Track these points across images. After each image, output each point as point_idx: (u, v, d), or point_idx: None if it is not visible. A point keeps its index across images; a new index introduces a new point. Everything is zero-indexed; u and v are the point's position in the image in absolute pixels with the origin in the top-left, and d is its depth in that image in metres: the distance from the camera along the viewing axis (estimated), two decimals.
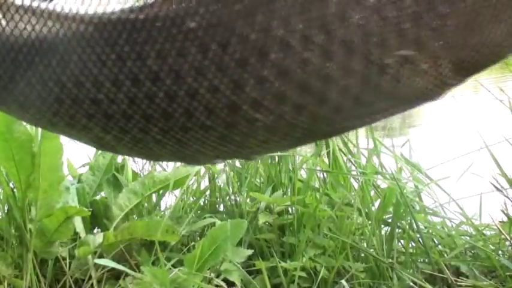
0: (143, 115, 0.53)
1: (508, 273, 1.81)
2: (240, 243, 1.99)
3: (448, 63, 0.53)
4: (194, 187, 2.46)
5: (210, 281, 1.89)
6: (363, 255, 2.02)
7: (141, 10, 0.51)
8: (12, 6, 0.54)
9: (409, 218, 1.99)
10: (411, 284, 1.81)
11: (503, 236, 1.93)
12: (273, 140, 0.58)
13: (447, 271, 1.85)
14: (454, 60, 0.54)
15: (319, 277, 1.90)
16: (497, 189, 1.96)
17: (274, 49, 0.49)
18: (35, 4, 0.54)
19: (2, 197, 2.20)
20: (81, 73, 0.53)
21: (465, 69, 0.55)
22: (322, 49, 0.50)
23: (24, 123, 2.04)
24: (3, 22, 0.55)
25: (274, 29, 0.49)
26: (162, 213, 2.40)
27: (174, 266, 1.89)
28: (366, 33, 0.49)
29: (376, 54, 0.50)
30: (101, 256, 2.04)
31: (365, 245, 2.06)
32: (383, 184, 2.19)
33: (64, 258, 2.14)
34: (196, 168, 2.35)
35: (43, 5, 0.54)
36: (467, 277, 1.86)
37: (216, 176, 2.42)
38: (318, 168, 2.28)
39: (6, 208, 2.19)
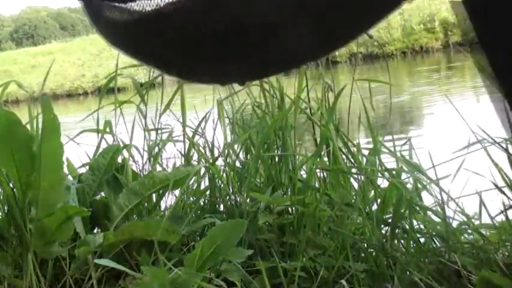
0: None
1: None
2: (240, 243, 1.98)
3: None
4: (194, 187, 2.46)
5: (210, 281, 1.89)
6: (363, 255, 2.02)
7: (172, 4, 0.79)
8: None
9: (409, 218, 1.99)
10: (411, 284, 1.81)
11: (503, 236, 1.93)
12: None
13: (447, 271, 1.85)
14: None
15: (319, 277, 1.90)
16: (498, 188, 1.96)
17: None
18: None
19: (2, 197, 2.20)
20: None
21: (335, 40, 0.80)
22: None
23: (24, 124, 2.04)
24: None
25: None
26: (162, 213, 2.39)
27: (174, 266, 1.89)
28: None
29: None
30: (101, 256, 2.04)
31: (365, 245, 2.06)
32: (383, 184, 2.19)
33: (64, 258, 2.14)
34: (196, 168, 2.35)
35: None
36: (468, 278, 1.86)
37: (215, 176, 2.42)
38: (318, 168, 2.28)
39: (6, 208, 2.19)
